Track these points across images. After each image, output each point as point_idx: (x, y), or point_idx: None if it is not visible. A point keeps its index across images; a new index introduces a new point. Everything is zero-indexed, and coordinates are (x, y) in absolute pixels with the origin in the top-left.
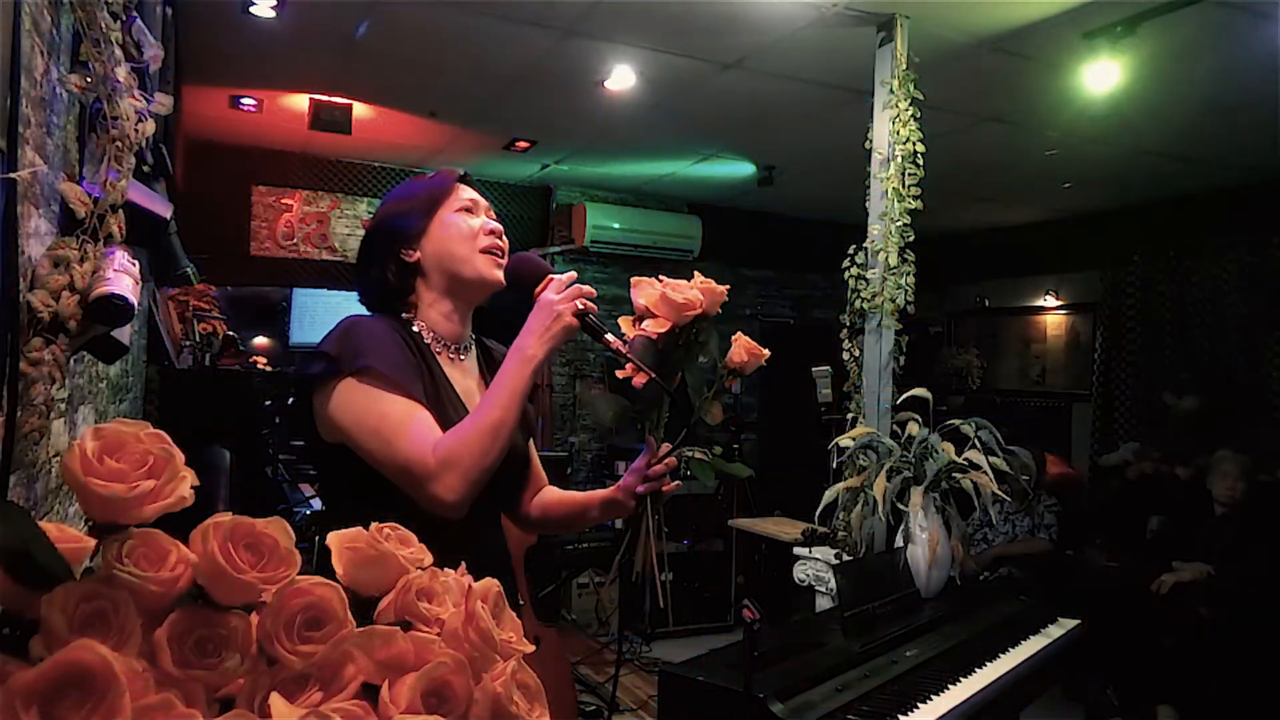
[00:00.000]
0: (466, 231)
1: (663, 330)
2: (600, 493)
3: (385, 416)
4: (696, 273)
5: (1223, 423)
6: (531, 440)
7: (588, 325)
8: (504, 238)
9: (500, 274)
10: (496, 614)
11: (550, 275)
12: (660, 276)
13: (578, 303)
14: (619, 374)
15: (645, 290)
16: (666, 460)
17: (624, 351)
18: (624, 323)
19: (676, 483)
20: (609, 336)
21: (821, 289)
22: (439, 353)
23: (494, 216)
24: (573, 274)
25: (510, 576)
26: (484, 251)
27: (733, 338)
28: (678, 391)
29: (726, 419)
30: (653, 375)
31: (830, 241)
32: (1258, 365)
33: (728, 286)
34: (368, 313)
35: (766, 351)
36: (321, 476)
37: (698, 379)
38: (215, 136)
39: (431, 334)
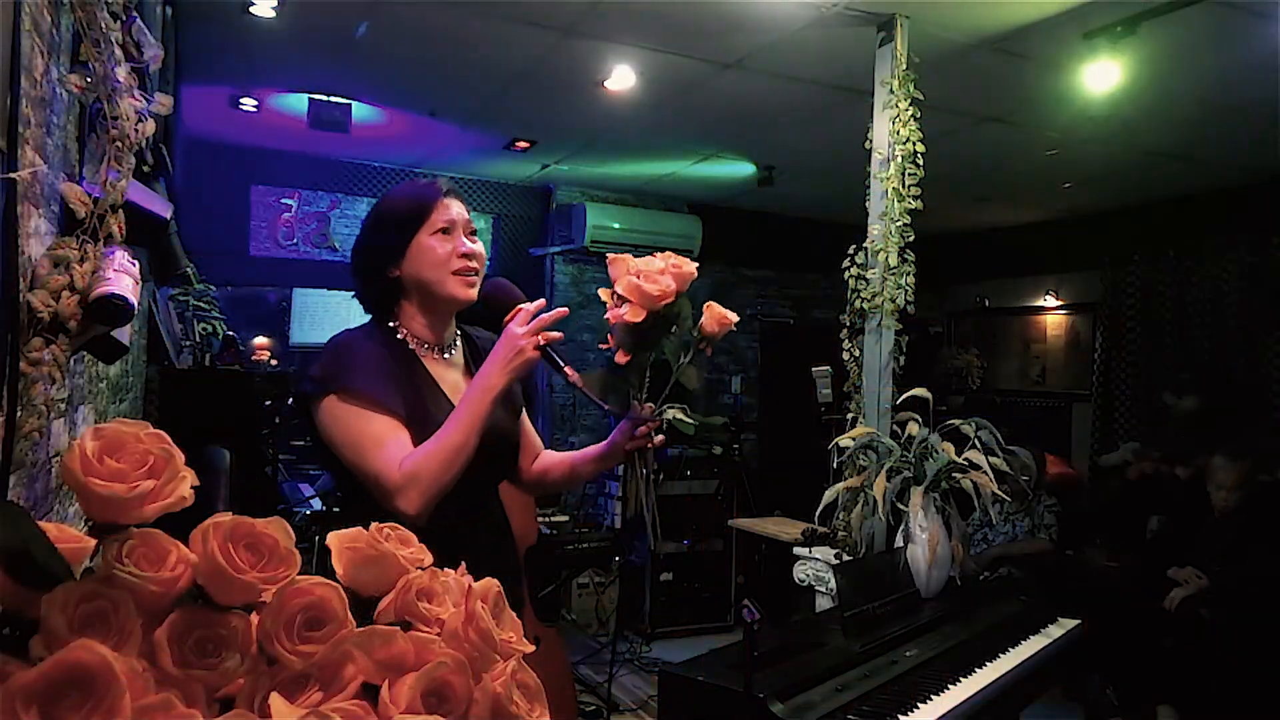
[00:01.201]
0: (441, 257)
1: (638, 320)
2: (594, 448)
3: (362, 433)
4: (668, 250)
5: (1223, 423)
6: (525, 412)
7: (549, 358)
8: (477, 259)
9: (472, 293)
10: (496, 614)
11: (520, 306)
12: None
13: (539, 337)
14: (600, 346)
15: (620, 275)
16: (650, 420)
17: (580, 385)
18: (604, 294)
19: (660, 437)
20: (567, 370)
21: (821, 289)
22: (424, 355)
23: (472, 231)
24: (541, 302)
25: (516, 576)
26: (456, 274)
27: (704, 306)
28: (655, 365)
29: (722, 410)
30: (602, 405)
31: (830, 241)
32: (1258, 365)
33: (696, 265)
34: (365, 316)
35: (735, 316)
36: (332, 474)
37: (675, 346)
38: (215, 136)
39: (415, 339)
